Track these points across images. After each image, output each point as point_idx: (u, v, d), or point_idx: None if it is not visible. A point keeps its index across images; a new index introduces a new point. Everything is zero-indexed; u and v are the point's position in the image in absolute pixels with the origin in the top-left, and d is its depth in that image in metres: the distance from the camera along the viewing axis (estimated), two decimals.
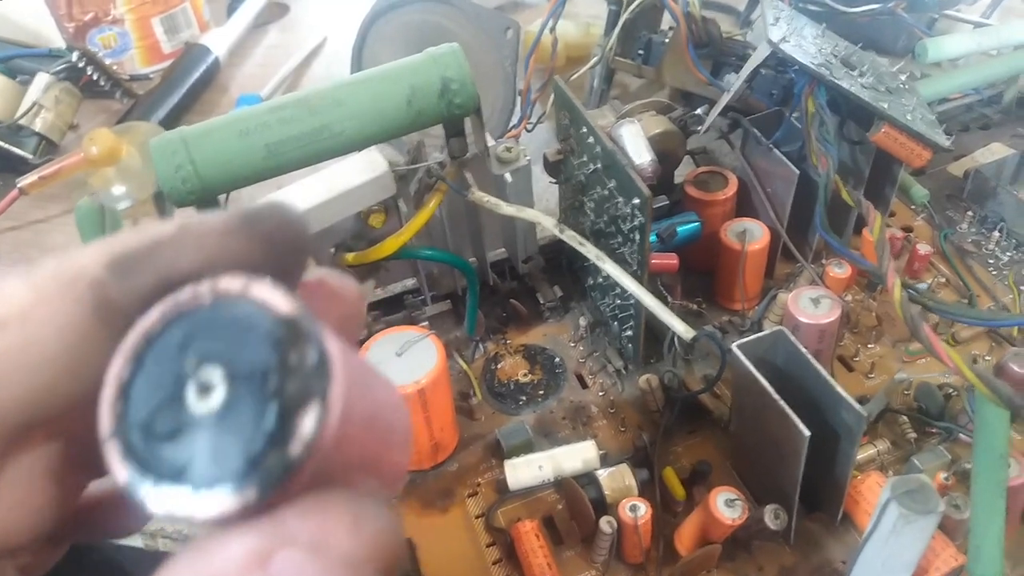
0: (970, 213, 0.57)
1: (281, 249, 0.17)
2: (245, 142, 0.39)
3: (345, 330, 0.19)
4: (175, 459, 0.14)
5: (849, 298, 0.53)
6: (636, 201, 0.42)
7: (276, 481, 0.14)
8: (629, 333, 0.49)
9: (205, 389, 0.15)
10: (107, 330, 0.16)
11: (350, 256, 0.46)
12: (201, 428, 0.15)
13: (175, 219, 0.17)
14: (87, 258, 0.16)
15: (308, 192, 0.40)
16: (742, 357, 0.39)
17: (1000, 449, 0.35)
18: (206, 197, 0.40)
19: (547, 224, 0.46)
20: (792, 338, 0.40)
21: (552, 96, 0.56)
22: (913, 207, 0.59)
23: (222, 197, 0.42)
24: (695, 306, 0.53)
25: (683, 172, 0.56)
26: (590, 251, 0.45)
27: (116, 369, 0.15)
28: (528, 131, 0.67)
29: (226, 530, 0.14)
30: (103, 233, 0.41)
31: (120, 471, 0.15)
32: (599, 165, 0.46)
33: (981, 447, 0.36)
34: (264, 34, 0.96)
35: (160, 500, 0.14)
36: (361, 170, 0.40)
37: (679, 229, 0.48)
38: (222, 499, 0.14)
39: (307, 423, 0.14)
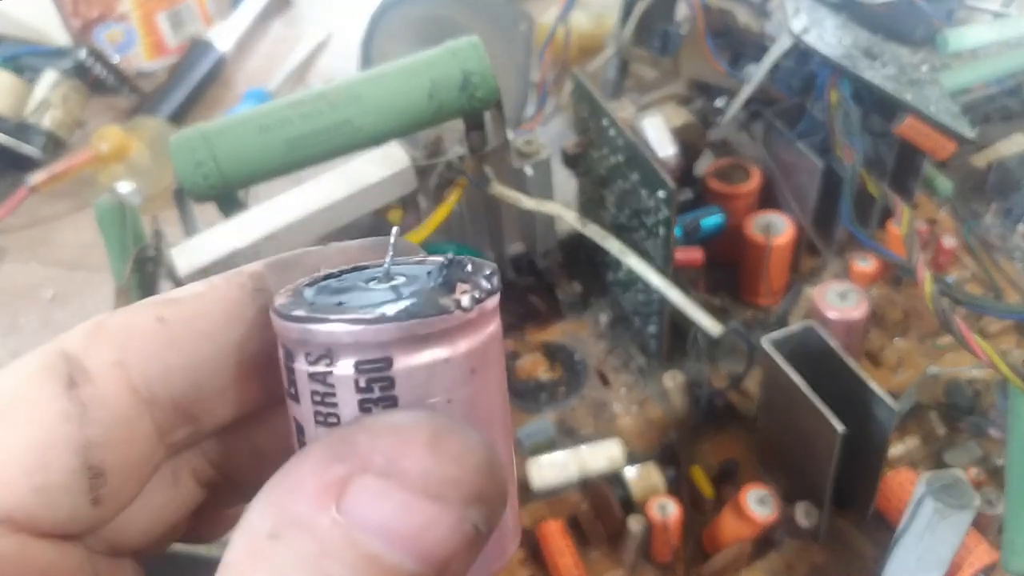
0: (994, 205, 0.56)
1: None
2: (266, 137, 0.39)
3: None
4: (352, 301, 0.16)
5: (874, 292, 0.52)
6: (661, 194, 0.42)
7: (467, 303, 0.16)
8: (653, 329, 0.49)
9: (387, 277, 0.17)
10: (260, 311, 0.18)
11: None
12: (378, 289, 0.17)
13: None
14: (250, 264, 0.19)
15: (327, 188, 0.39)
16: (773, 352, 0.39)
17: None
18: (226, 192, 0.40)
19: (569, 218, 0.45)
20: (823, 333, 0.39)
21: (567, 89, 0.55)
22: (936, 199, 0.58)
23: (242, 193, 0.42)
24: (718, 301, 0.52)
25: (702, 165, 0.55)
26: (613, 245, 0.45)
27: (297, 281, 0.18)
28: (542, 124, 0.66)
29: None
30: (124, 229, 0.40)
31: (290, 306, 0.16)
32: (621, 158, 0.45)
33: (1015, 440, 0.36)
34: (269, 28, 0.95)
35: (331, 325, 0.15)
36: (381, 165, 0.39)
37: (703, 223, 0.47)
38: (392, 323, 0.15)
39: (466, 297, 0.16)
